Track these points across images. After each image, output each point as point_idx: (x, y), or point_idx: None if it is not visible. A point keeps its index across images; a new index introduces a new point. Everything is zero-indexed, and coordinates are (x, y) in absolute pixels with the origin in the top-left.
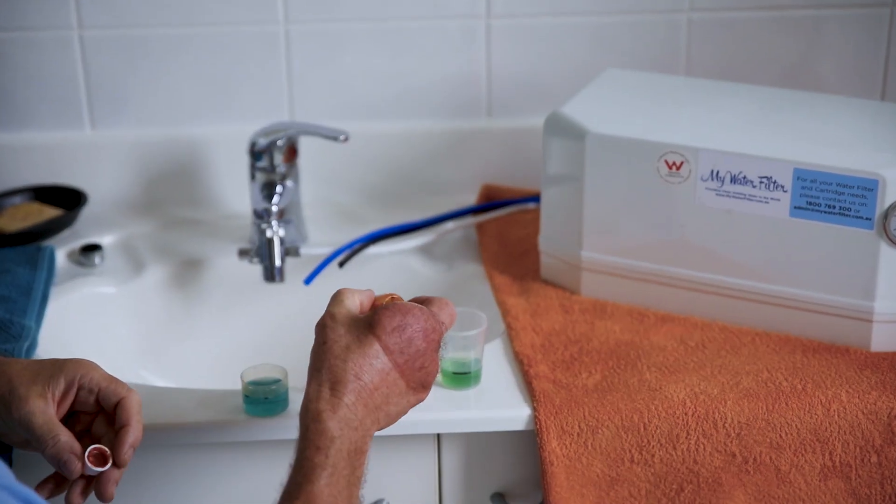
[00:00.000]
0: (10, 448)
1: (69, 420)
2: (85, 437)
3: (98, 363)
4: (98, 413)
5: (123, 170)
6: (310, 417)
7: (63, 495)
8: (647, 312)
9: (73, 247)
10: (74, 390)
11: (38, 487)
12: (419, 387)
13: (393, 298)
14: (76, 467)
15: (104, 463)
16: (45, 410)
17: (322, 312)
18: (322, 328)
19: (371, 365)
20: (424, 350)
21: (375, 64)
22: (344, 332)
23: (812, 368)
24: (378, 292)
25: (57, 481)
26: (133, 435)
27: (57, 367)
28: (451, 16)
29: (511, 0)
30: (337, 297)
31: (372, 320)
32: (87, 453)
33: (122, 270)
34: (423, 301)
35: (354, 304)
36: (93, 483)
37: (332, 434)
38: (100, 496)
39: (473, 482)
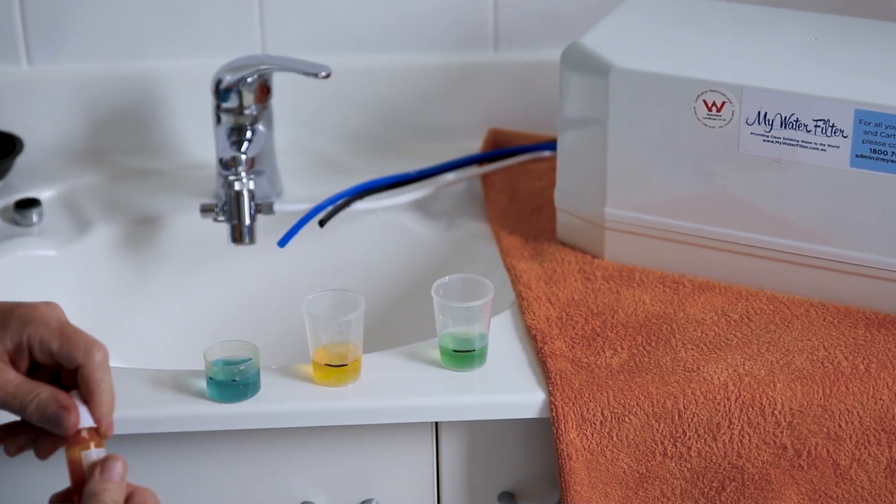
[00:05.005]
0: None
1: (39, 368)
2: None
3: None
4: None
5: (65, 111)
6: None
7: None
8: (681, 280)
9: (7, 202)
10: (26, 352)
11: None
12: None
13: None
14: (70, 420)
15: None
16: (7, 375)
17: (300, 278)
18: None
19: None
20: None
21: None
22: None
23: (877, 345)
24: (367, 257)
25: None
26: (102, 409)
27: (2, 323)
28: None
29: None
30: None
31: None
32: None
33: (64, 230)
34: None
35: None
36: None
37: None
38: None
39: (477, 479)
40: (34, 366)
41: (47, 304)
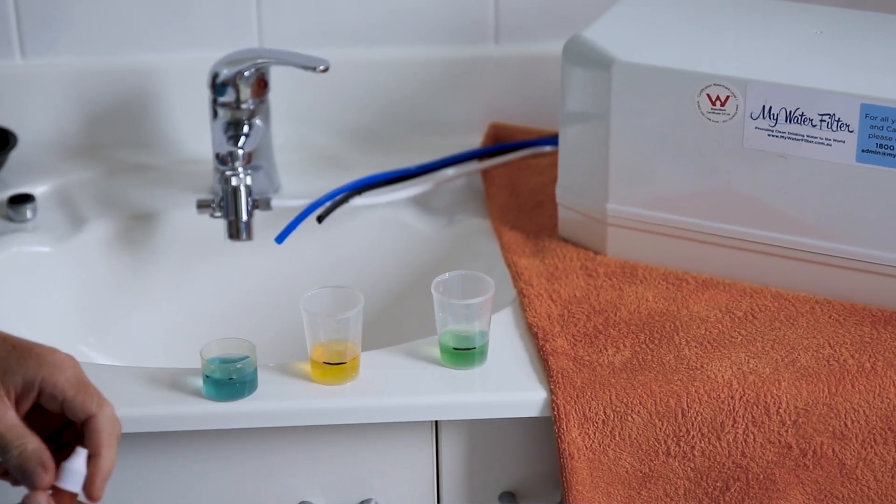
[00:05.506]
0: None
1: (34, 414)
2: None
3: (32, 337)
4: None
5: (60, 106)
6: None
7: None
8: (685, 276)
9: (1, 198)
10: (35, 393)
11: None
12: None
13: None
14: (44, 480)
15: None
16: (5, 413)
17: (298, 275)
18: None
19: None
20: None
21: None
22: None
23: (883, 343)
24: (365, 253)
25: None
26: (104, 466)
27: (18, 359)
28: None
29: None
30: None
31: None
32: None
33: (58, 226)
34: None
35: None
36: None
37: None
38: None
39: (478, 479)
40: (33, 409)
41: (64, 353)
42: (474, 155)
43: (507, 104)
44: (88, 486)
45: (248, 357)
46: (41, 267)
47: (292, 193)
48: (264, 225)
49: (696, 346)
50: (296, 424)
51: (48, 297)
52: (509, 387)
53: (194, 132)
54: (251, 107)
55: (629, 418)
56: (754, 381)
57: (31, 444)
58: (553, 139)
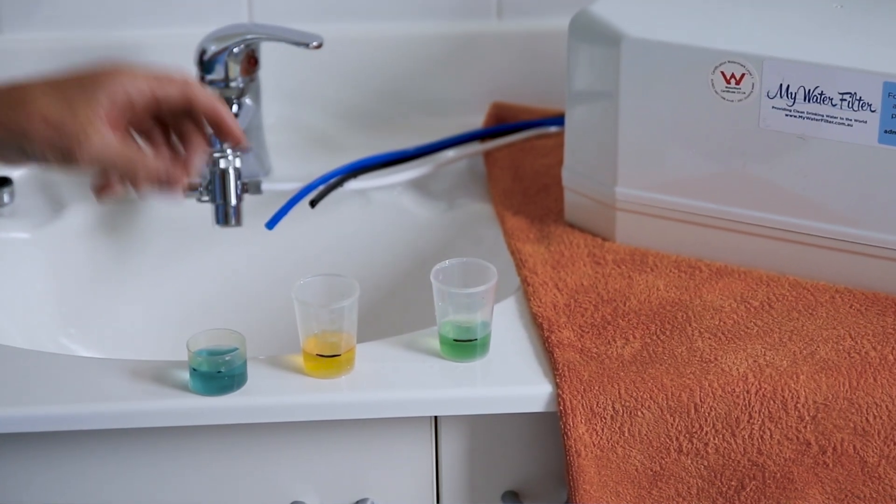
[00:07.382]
0: None
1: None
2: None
3: (9, 328)
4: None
5: None
6: None
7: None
8: (698, 264)
9: None
10: (128, 104)
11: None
12: None
13: None
14: (180, 178)
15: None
16: (104, 139)
17: (290, 263)
18: None
19: None
20: None
21: None
22: None
23: None
24: (361, 239)
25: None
26: (226, 114)
27: (91, 84)
28: None
29: None
30: None
31: None
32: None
33: (37, 211)
34: None
35: None
36: None
37: None
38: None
39: (479, 477)
40: None
41: (120, 63)
42: (476, 136)
43: (510, 82)
44: (230, 135)
45: (237, 349)
46: (19, 254)
47: (284, 176)
48: (254, 210)
49: (709, 338)
50: (288, 420)
51: (26, 286)
52: (513, 380)
53: None
54: (240, 85)
55: (639, 414)
56: (771, 374)
57: (149, 159)
58: (559, 119)
